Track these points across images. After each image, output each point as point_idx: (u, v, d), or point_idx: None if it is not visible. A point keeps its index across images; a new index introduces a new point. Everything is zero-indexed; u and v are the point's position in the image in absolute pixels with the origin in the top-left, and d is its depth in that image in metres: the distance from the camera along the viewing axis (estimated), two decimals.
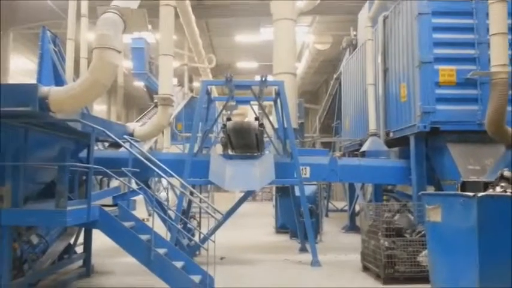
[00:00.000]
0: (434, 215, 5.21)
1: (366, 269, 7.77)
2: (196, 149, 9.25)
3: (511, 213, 4.55)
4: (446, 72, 8.46)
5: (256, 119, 9.54)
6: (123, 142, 6.97)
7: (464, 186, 5.48)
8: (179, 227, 8.28)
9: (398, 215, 7.83)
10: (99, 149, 8.95)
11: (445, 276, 5.04)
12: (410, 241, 6.99)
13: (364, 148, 10.48)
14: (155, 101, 9.96)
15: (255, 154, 9.58)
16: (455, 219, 4.87)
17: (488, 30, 7.56)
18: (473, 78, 8.32)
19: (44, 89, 5.23)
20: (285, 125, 9.42)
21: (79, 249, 7.73)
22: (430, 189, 8.85)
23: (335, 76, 18.94)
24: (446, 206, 5.06)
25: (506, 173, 5.17)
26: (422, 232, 6.69)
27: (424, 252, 6.43)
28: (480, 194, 4.60)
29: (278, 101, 9.69)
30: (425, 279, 5.54)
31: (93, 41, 5.62)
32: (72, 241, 7.55)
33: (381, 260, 6.93)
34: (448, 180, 8.10)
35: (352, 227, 13.46)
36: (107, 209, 6.08)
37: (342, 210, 17.65)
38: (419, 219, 7.26)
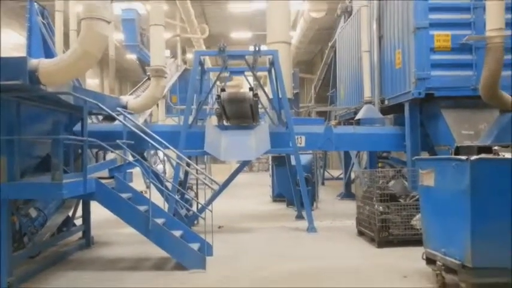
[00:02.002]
0: (428, 179, 5.28)
1: (361, 233, 7.93)
2: (191, 120, 9.24)
3: (503, 176, 4.63)
4: (442, 37, 8.38)
5: (251, 89, 9.49)
6: (117, 115, 6.94)
7: (458, 151, 5.50)
8: (177, 197, 8.37)
9: (393, 181, 7.93)
10: (93, 123, 8.92)
11: (437, 239, 5.15)
12: (404, 205, 7.12)
13: (359, 116, 10.49)
14: (148, 73, 9.84)
15: (250, 124, 9.58)
16: (448, 182, 4.94)
17: None
18: (468, 43, 8.26)
19: (33, 62, 5.17)
20: (280, 95, 9.39)
21: (78, 221, 7.83)
22: (425, 155, 8.93)
23: (330, 44, 18.74)
24: (440, 170, 5.12)
25: None
26: (416, 197, 6.80)
27: (418, 215, 6.55)
28: (473, 157, 4.65)
29: (272, 70, 9.62)
30: (418, 242, 5.67)
31: (81, 12, 5.52)
32: (70, 214, 7.64)
33: (375, 224, 7.08)
34: (442, 146, 8.16)
35: (347, 194, 13.65)
36: (103, 181, 6.12)
37: (337, 178, 17.85)
38: (413, 185, 7.37)
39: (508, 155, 4.87)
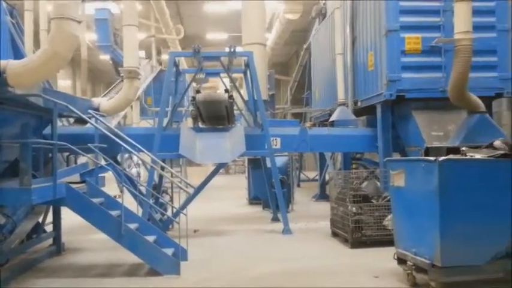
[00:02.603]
0: (398, 179, 5.38)
1: (334, 234, 8.02)
2: (165, 122, 9.14)
3: (470, 176, 4.75)
4: (412, 40, 8.55)
5: (226, 91, 9.48)
6: (89, 117, 6.81)
7: (428, 152, 5.64)
8: (151, 202, 8.26)
9: (366, 182, 8.05)
10: (64, 125, 8.72)
11: (408, 239, 5.26)
12: (376, 206, 7.23)
13: (333, 118, 10.62)
14: (121, 74, 9.69)
15: (226, 126, 9.55)
16: (418, 183, 5.05)
17: None
18: (437, 45, 8.45)
19: (1, 63, 5.01)
20: (255, 97, 9.40)
21: (49, 228, 7.63)
22: (396, 156, 9.10)
23: (305, 46, 18.90)
24: (410, 170, 5.22)
25: (497, 143, 5.25)
26: (388, 197, 6.92)
27: (390, 216, 6.66)
28: (441, 158, 4.76)
29: (248, 72, 9.62)
30: (390, 242, 5.77)
31: (51, 11, 5.39)
32: (40, 220, 7.44)
33: (348, 225, 7.16)
34: (413, 147, 8.33)
35: (322, 196, 13.77)
36: (74, 186, 5.99)
37: (313, 179, 17.99)
38: (385, 186, 7.49)
39: (477, 156, 5.01)
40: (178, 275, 5.78)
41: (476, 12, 7.60)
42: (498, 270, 5.13)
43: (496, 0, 8.67)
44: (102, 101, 8.97)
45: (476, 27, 7.66)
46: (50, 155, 6.47)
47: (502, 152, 5.01)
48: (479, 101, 7.78)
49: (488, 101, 8.54)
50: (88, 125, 7.64)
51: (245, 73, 10.06)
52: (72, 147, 6.19)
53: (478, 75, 8.20)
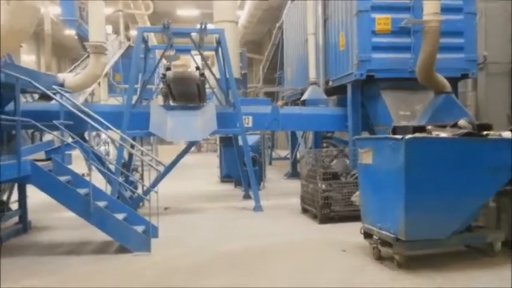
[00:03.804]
0: (366, 157, 5.50)
1: (304, 211, 8.18)
2: (134, 100, 8.96)
3: (435, 154, 4.91)
4: (382, 20, 8.62)
5: (197, 68, 9.33)
6: (53, 93, 6.59)
7: (395, 130, 5.77)
8: (120, 179, 8.15)
9: (336, 160, 8.20)
10: (28, 102, 8.41)
11: (374, 214, 5.41)
12: (345, 183, 7.40)
13: (304, 97, 10.68)
14: (88, 49, 9.38)
15: (197, 105, 9.45)
16: (385, 160, 5.18)
17: None
18: (407, 26, 8.56)
19: None
20: (227, 75, 9.32)
21: (14, 206, 7.43)
22: (366, 135, 9.28)
23: (278, 25, 18.77)
24: (377, 148, 5.34)
25: (461, 122, 5.41)
26: (356, 175, 7.08)
27: (357, 192, 6.83)
28: (408, 136, 4.89)
29: (219, 50, 9.50)
30: (357, 218, 5.93)
31: None
32: (5, 198, 7.23)
33: (318, 201, 7.32)
34: (381, 126, 8.50)
35: (293, 174, 13.96)
36: (40, 163, 5.83)
37: (285, 158, 18.17)
38: (354, 164, 7.65)
39: (443, 134, 5.17)
40: (149, 252, 5.78)
41: None
42: (458, 243, 5.40)
43: None
44: (68, 77, 8.70)
45: (444, 10, 7.81)
46: (13, 131, 6.25)
47: (465, 131, 5.19)
48: (446, 82, 7.99)
49: (454, 81, 8.77)
50: (53, 101, 7.40)
51: (216, 51, 9.93)
52: (37, 124, 5.99)
53: (445, 57, 8.38)
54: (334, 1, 10.09)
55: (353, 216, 6.82)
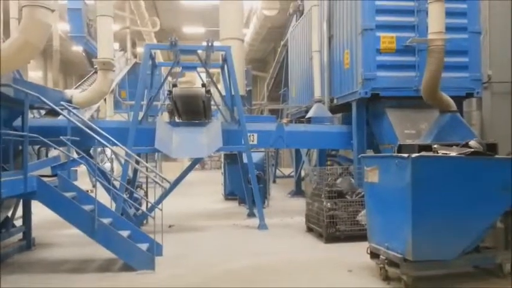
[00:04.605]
0: (372, 176, 5.47)
1: (309, 229, 8.10)
2: (140, 116, 9.00)
3: (442, 173, 4.89)
4: (387, 39, 8.68)
5: (203, 85, 9.40)
6: (61, 109, 6.63)
7: (401, 149, 5.76)
8: (125, 196, 8.13)
9: (341, 178, 8.16)
10: (35, 117, 8.47)
11: (381, 234, 5.36)
12: (350, 202, 7.35)
13: (309, 114, 10.70)
14: (95, 66, 9.47)
15: (203, 121, 9.49)
16: (391, 179, 5.15)
17: None
18: (411, 45, 8.63)
19: None
20: (233, 92, 9.36)
21: (18, 222, 7.41)
22: (370, 153, 9.25)
23: (282, 43, 18.95)
24: (383, 167, 5.33)
25: (472, 143, 5.36)
26: (362, 193, 7.04)
27: (363, 211, 6.79)
28: (414, 155, 4.87)
29: (225, 67, 9.57)
30: (363, 237, 5.88)
31: None
32: (10, 214, 7.22)
33: (323, 220, 7.26)
34: (386, 144, 8.49)
35: (298, 192, 13.89)
36: (45, 179, 5.84)
37: (289, 176, 18.12)
38: (359, 182, 7.61)
39: (452, 153, 5.14)
40: (153, 270, 5.72)
41: (449, 13, 7.80)
42: (466, 264, 5.32)
43: (468, 1, 8.89)
44: (75, 93, 8.77)
45: (449, 28, 7.86)
46: (20, 147, 6.28)
47: (472, 149, 5.16)
48: (451, 101, 7.99)
49: (459, 100, 8.78)
50: (60, 117, 7.45)
51: (222, 68, 10.01)
52: (44, 139, 6.02)
53: (450, 75, 8.42)
54: (339, 19, 10.19)
55: (359, 235, 6.76)
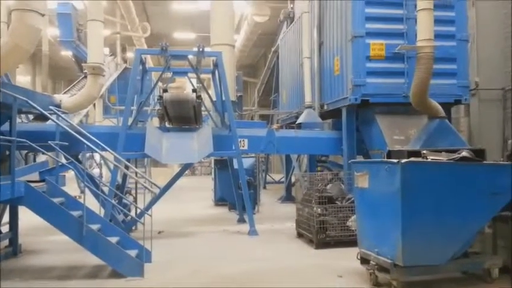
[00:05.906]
0: (362, 181, 5.50)
1: (300, 235, 8.10)
2: (130, 121, 8.95)
3: (431, 178, 4.93)
4: (377, 46, 8.76)
5: (194, 90, 9.39)
6: (50, 114, 6.56)
7: (390, 154, 5.80)
8: (114, 202, 8.05)
9: (331, 184, 8.18)
10: (23, 122, 8.37)
11: (371, 239, 5.38)
12: (340, 207, 7.37)
13: (300, 120, 10.74)
14: (85, 71, 9.41)
15: (193, 127, 9.46)
16: (381, 184, 5.18)
17: (416, 6, 7.90)
18: (400, 52, 8.71)
19: None
20: (223, 98, 9.36)
21: (5, 228, 7.28)
22: (360, 159, 9.30)
23: (273, 49, 19.02)
24: (373, 172, 5.35)
25: (464, 154, 5.40)
26: (352, 199, 7.06)
27: (353, 217, 6.80)
28: (403, 161, 4.91)
29: (216, 73, 9.58)
30: (353, 243, 5.89)
31: (13, 3, 5.18)
32: None
33: (313, 226, 7.26)
34: (376, 150, 8.53)
35: (288, 198, 13.88)
36: (33, 184, 5.76)
37: (279, 182, 18.11)
38: (349, 187, 7.64)
39: (441, 159, 5.18)
40: (142, 277, 5.66)
41: (437, 21, 7.90)
42: (455, 269, 5.36)
43: (456, 9, 9.03)
44: (64, 98, 8.70)
45: (438, 36, 7.96)
46: (8, 152, 6.19)
47: (461, 155, 5.21)
48: (439, 107, 8.06)
49: (447, 107, 8.87)
50: (49, 121, 7.38)
51: (213, 73, 10.01)
52: (32, 144, 5.94)
53: (438, 82, 8.50)
54: (329, 26, 10.27)
55: (349, 241, 6.77)
